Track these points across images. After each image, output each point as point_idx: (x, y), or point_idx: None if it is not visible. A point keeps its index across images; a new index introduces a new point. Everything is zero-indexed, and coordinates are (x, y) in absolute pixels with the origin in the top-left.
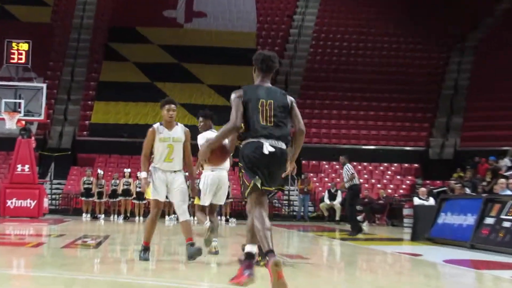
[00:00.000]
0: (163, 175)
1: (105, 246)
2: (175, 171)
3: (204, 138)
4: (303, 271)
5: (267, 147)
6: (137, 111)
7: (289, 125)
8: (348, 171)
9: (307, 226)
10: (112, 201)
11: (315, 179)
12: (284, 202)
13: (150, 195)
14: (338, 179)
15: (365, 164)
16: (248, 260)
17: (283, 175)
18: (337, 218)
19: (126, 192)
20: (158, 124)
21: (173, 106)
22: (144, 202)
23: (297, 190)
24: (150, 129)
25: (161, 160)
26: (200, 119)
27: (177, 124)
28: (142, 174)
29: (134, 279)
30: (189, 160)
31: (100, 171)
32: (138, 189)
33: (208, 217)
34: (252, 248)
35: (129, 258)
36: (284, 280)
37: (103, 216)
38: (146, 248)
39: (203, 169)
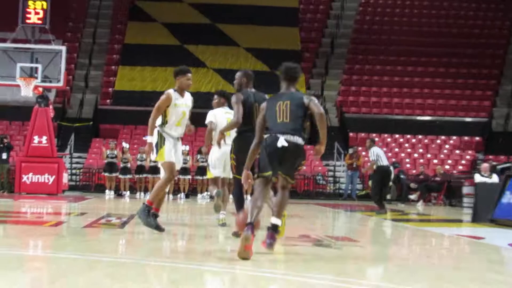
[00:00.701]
0: (174, 141)
1: (130, 226)
2: (178, 138)
3: (213, 115)
4: (351, 254)
5: (282, 141)
6: (166, 77)
7: (306, 121)
8: (372, 155)
9: (355, 206)
10: (138, 177)
11: (363, 153)
12: (329, 179)
13: (163, 157)
14: (390, 153)
15: (420, 137)
16: (272, 231)
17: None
18: (388, 197)
19: (154, 169)
20: (171, 90)
21: (190, 75)
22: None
23: (344, 166)
24: (166, 95)
25: (173, 124)
26: (215, 96)
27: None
28: (149, 138)
29: (164, 261)
30: (190, 127)
31: (125, 144)
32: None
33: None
34: (276, 221)
35: (157, 239)
36: (248, 251)
37: (128, 193)
38: (150, 210)
39: (211, 144)
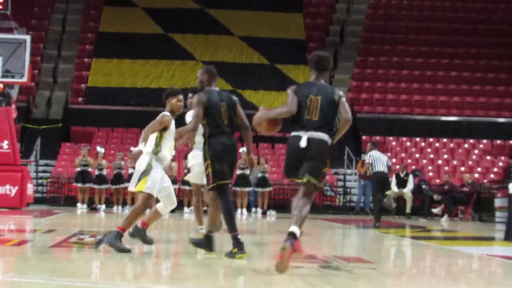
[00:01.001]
0: (162, 171)
1: (106, 246)
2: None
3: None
4: (364, 278)
5: (304, 141)
6: (147, 71)
7: (335, 119)
8: (367, 159)
9: (369, 221)
10: (115, 188)
11: None
12: (339, 190)
13: (142, 187)
14: (409, 160)
15: (444, 140)
16: (292, 238)
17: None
18: (408, 210)
19: (117, 178)
20: (167, 113)
21: (181, 96)
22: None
23: (355, 175)
24: (167, 116)
25: (168, 150)
26: (190, 94)
27: None
28: (141, 145)
29: (145, 286)
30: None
31: (99, 149)
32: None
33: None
34: (294, 229)
35: (137, 260)
36: (286, 263)
37: (103, 207)
38: (121, 236)
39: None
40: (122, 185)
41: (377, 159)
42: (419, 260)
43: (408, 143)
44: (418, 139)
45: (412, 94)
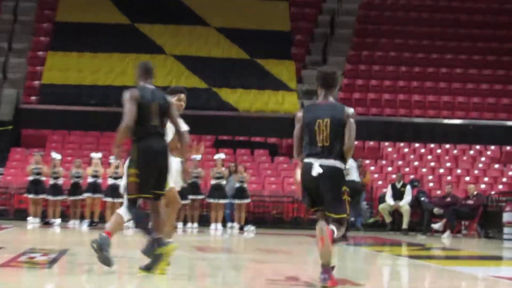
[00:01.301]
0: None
1: (61, 265)
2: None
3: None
4: None
5: (316, 169)
6: (111, 67)
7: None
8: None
9: (360, 238)
10: (72, 199)
11: (372, 168)
12: None
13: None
14: (407, 168)
15: (447, 146)
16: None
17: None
18: (405, 225)
19: (94, 187)
20: None
21: (183, 96)
22: (121, 201)
23: None
24: None
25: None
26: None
27: None
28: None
29: None
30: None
31: (55, 155)
32: (113, 182)
33: None
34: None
35: (95, 282)
36: None
37: (58, 221)
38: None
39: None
40: (80, 197)
41: (353, 167)
42: (416, 282)
43: (406, 149)
44: (417, 144)
45: (411, 94)
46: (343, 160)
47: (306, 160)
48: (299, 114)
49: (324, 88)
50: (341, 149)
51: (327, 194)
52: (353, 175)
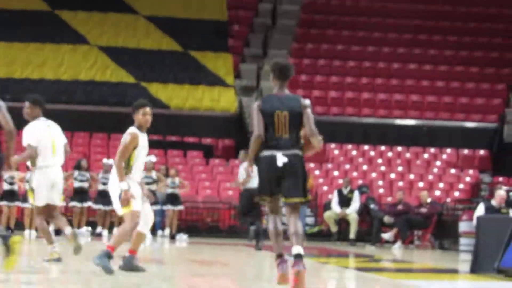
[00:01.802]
0: (136, 187)
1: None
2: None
3: (34, 136)
4: None
5: (281, 159)
6: (28, 58)
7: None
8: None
9: (304, 248)
10: (7, 204)
11: (317, 172)
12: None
13: (132, 207)
14: (355, 173)
15: (399, 149)
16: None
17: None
18: (352, 235)
19: (10, 195)
20: (134, 128)
21: (148, 109)
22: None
23: None
24: (131, 135)
25: (139, 169)
26: (27, 103)
27: None
28: (124, 186)
29: None
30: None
31: None
32: (28, 187)
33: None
34: (299, 249)
35: None
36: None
37: None
38: (111, 256)
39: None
40: (15, 203)
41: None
42: None
43: (354, 152)
44: (366, 147)
45: (360, 92)
46: (301, 148)
47: (267, 152)
48: (257, 103)
49: (280, 80)
50: (298, 139)
51: (290, 181)
52: (254, 182)
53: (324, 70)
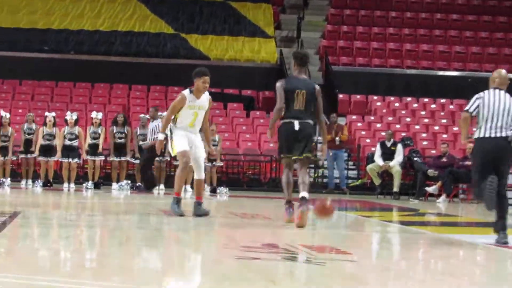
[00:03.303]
0: (185, 133)
1: (13, 229)
2: (193, 134)
3: None
4: (339, 273)
5: (297, 125)
6: (66, 9)
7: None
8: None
9: (346, 202)
10: (24, 157)
11: (359, 125)
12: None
13: (175, 151)
14: (398, 125)
15: (442, 101)
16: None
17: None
18: (396, 189)
19: (48, 149)
20: (187, 91)
21: (208, 78)
22: (77, 161)
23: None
24: (181, 96)
25: (184, 124)
26: None
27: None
28: (160, 136)
29: (60, 282)
30: (206, 126)
31: (2, 113)
32: (68, 142)
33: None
34: (306, 194)
35: (52, 246)
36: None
37: (8, 180)
38: (178, 200)
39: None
40: (32, 156)
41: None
42: (409, 251)
43: (397, 104)
44: (409, 99)
45: (403, 42)
46: (313, 118)
47: (287, 120)
48: (282, 83)
49: (300, 66)
50: (311, 112)
51: (303, 141)
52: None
53: (366, 21)
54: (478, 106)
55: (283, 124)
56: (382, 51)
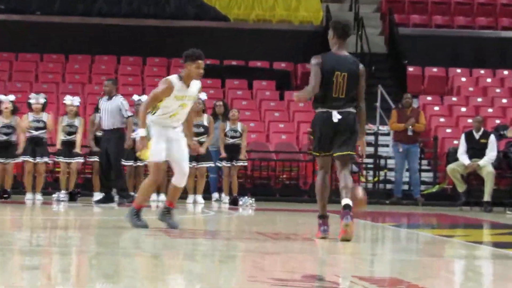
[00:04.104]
0: (164, 131)
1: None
2: (174, 127)
3: None
4: None
5: (336, 116)
6: None
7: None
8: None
9: (419, 215)
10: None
11: (436, 108)
12: (367, 164)
13: (147, 156)
14: (490, 109)
15: None
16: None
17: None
18: (487, 197)
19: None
20: (176, 78)
21: (203, 63)
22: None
23: (389, 134)
24: (167, 84)
25: (166, 115)
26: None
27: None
28: (140, 132)
29: None
30: (189, 117)
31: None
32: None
33: None
34: (348, 201)
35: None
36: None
37: None
38: (138, 212)
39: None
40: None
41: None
42: (509, 285)
43: (489, 80)
44: (506, 72)
45: None
46: (356, 105)
47: (323, 109)
48: (317, 61)
49: (341, 39)
50: (353, 99)
51: (345, 135)
52: None
53: None
54: None
55: (319, 115)
56: (468, 7)
